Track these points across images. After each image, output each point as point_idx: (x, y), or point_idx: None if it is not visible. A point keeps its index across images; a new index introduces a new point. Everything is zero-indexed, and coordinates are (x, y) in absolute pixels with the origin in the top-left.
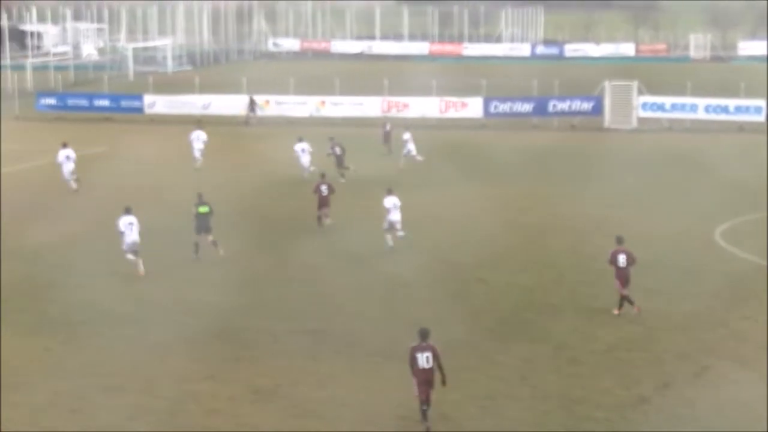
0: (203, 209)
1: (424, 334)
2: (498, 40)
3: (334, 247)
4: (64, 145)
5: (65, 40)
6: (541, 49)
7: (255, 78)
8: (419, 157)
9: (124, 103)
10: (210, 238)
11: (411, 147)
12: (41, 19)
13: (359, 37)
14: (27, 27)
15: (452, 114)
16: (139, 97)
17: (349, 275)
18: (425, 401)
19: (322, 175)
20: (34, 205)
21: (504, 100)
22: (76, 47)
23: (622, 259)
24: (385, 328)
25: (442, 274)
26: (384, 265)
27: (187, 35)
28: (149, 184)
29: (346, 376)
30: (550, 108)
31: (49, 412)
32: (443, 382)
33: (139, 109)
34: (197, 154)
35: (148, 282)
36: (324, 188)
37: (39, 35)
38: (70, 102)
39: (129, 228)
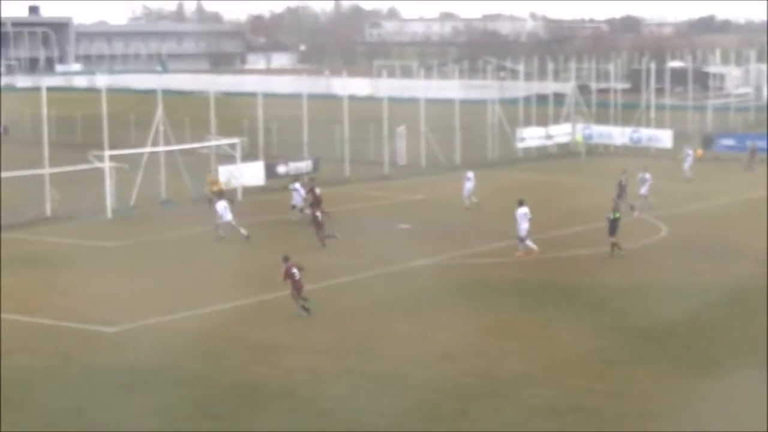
0: (617, 215)
1: None
2: None
3: None
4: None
5: (747, 81)
6: None
7: None
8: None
9: None
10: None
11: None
12: (725, 61)
13: None
14: (710, 69)
15: None
16: None
17: None
18: None
19: None
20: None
21: None
22: (758, 88)
23: None
24: None
25: None
26: None
27: None
28: None
29: None
30: None
31: None
32: None
33: None
34: None
35: None
36: None
37: (721, 77)
38: (749, 143)
39: (523, 218)
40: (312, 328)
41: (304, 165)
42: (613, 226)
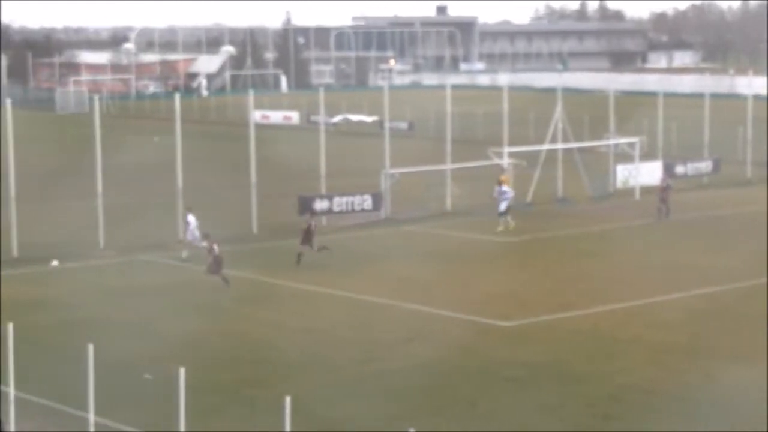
0: None
1: None
2: None
3: None
4: None
5: None
6: None
7: None
8: None
9: None
10: None
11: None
12: None
13: None
14: None
15: None
16: None
17: None
18: None
19: None
20: None
21: None
22: None
23: None
24: None
25: None
26: None
27: None
28: None
29: None
30: None
31: None
32: None
33: None
34: None
35: None
36: None
37: None
38: None
39: None
40: (710, 332)
41: (704, 165)
42: None
